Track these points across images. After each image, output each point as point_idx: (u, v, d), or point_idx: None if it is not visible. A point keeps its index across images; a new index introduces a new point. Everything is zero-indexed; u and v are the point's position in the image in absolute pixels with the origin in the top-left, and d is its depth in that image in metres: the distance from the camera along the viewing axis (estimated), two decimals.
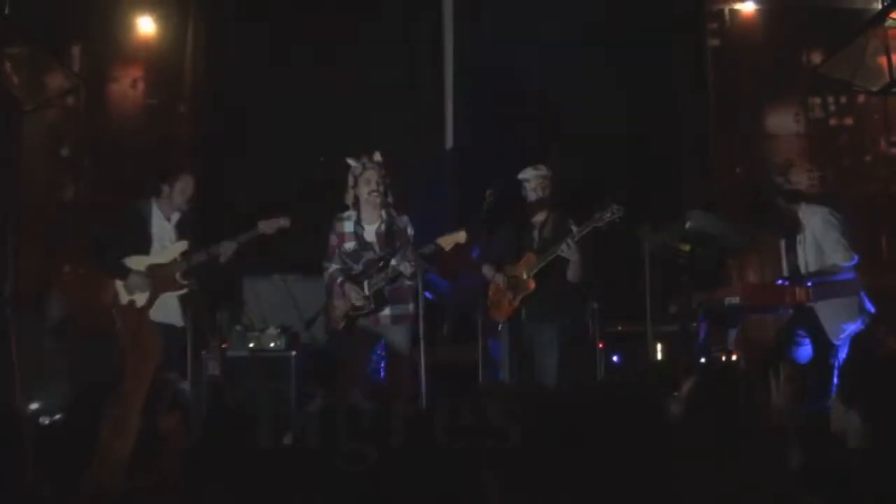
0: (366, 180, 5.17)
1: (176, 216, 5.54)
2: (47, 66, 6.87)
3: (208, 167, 7.08)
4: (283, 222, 5.43)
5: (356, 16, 7.50)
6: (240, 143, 7.43)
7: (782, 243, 5.44)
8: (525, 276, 5.37)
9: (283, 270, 7.07)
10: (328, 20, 7.51)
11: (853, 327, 4.95)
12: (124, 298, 5.28)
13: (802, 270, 5.21)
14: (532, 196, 5.49)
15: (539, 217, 5.52)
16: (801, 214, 5.25)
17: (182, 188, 5.48)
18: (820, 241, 5.12)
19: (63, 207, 7.12)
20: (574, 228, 5.27)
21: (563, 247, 5.20)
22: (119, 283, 5.44)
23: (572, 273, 5.30)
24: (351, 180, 5.25)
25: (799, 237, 5.26)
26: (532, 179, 5.49)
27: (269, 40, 7.45)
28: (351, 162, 5.22)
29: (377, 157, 5.20)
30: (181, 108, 7.45)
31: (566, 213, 5.50)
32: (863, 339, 4.74)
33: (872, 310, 5.05)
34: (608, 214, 5.17)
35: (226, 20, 7.46)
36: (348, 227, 5.26)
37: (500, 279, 5.45)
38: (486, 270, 5.58)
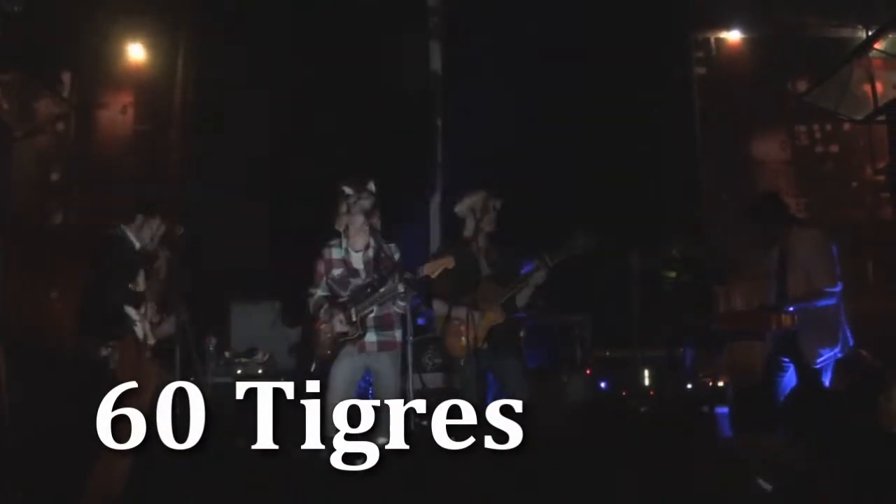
0: (359, 208, 5.15)
1: (148, 245, 5.35)
2: (38, 92, 6.90)
3: (197, 193, 7.09)
4: None
5: (346, 39, 7.55)
6: (229, 168, 7.44)
7: (772, 268, 5.43)
8: (491, 307, 5.16)
9: (271, 297, 7.06)
10: (318, 45, 7.57)
11: (830, 353, 4.95)
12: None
13: (790, 293, 5.18)
14: (477, 223, 5.27)
15: (481, 244, 5.31)
16: (792, 236, 5.22)
17: (155, 227, 5.31)
18: (807, 263, 5.09)
19: (52, 233, 7.11)
20: (546, 257, 5.16)
21: (540, 275, 5.12)
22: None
23: (521, 299, 5.25)
24: (344, 207, 5.23)
25: (788, 260, 5.25)
26: (477, 205, 5.29)
27: (258, 66, 7.49)
28: (346, 189, 5.20)
29: (371, 185, 5.19)
30: (171, 134, 7.48)
31: (504, 240, 5.37)
32: (844, 366, 4.75)
33: (851, 342, 5.04)
34: (580, 245, 5.05)
35: (215, 46, 7.50)
36: (336, 253, 5.24)
37: (460, 312, 5.13)
38: (439, 306, 5.33)
